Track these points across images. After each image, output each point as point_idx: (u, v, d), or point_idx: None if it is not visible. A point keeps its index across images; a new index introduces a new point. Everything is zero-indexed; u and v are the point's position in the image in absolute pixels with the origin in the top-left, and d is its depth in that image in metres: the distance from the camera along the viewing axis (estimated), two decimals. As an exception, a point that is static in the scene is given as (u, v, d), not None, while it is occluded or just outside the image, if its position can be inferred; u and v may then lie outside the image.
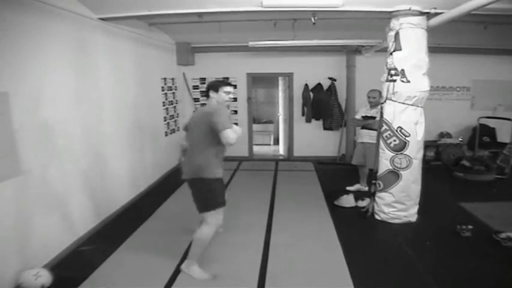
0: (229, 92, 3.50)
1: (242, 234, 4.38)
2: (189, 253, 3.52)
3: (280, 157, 9.31)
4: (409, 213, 4.69)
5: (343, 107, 8.31)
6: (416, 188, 4.68)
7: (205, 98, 3.58)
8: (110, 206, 4.98)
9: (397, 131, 4.50)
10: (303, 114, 8.54)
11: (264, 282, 3.33)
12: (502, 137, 7.66)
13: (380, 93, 5.26)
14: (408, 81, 4.35)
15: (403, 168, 4.55)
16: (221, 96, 3.46)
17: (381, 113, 4.68)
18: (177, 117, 7.99)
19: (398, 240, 4.20)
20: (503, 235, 4.03)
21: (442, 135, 8.23)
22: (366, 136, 5.64)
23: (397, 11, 4.32)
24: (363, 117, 5.69)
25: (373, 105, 5.56)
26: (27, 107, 3.40)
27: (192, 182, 3.36)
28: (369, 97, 5.61)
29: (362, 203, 5.21)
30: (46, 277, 3.24)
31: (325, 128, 8.54)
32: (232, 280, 3.39)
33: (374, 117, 5.40)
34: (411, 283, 3.34)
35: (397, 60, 4.39)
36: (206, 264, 3.62)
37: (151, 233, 4.49)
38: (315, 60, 8.23)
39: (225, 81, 3.65)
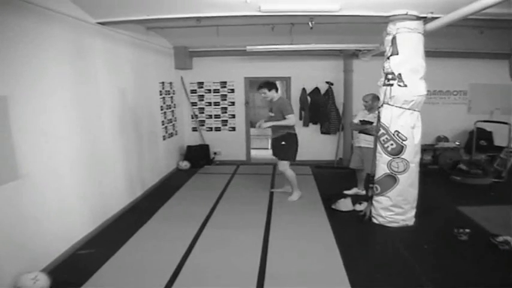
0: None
1: (241, 236, 4.40)
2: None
3: (278, 161, 9.28)
4: (407, 216, 4.69)
5: (341, 111, 8.34)
6: (413, 192, 4.69)
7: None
8: (108, 209, 4.97)
9: (394, 135, 4.51)
10: (300, 118, 8.54)
11: (262, 284, 3.34)
12: (499, 140, 7.68)
13: (373, 97, 5.41)
14: (405, 86, 4.37)
15: (400, 172, 4.57)
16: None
17: (378, 117, 4.70)
18: (175, 121, 8.00)
19: (396, 243, 4.21)
20: (500, 239, 4.04)
21: (439, 139, 8.25)
22: (363, 140, 5.67)
23: (394, 15, 4.35)
24: (360, 121, 5.71)
25: (367, 109, 5.64)
26: (26, 111, 3.41)
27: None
28: (362, 101, 5.71)
29: (359, 207, 5.22)
30: (44, 281, 3.23)
31: (322, 132, 8.57)
32: (232, 280, 3.42)
33: (371, 122, 5.42)
34: (408, 286, 3.35)
35: (394, 64, 4.41)
36: (206, 262, 3.63)
37: (150, 236, 4.48)
38: (313, 64, 8.27)
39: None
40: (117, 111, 5.28)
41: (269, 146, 10.60)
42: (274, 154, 5.87)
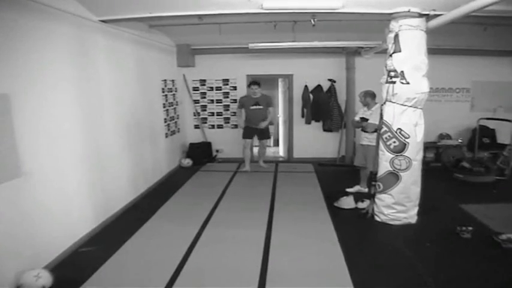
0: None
1: (243, 234, 4.40)
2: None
3: (280, 158, 9.31)
4: (409, 214, 4.69)
5: (343, 108, 8.32)
6: (416, 190, 4.68)
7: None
8: (110, 207, 4.98)
9: (396, 132, 4.50)
10: (302, 116, 8.54)
11: (264, 283, 3.34)
12: (502, 138, 7.65)
13: (365, 93, 5.59)
14: (408, 83, 4.36)
15: (402, 170, 4.56)
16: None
17: (381, 115, 4.69)
18: (177, 118, 8.01)
19: (398, 241, 4.20)
20: (503, 237, 4.03)
21: (441, 136, 8.23)
22: (364, 138, 5.69)
23: (397, 13, 4.33)
24: (361, 118, 5.72)
25: (364, 105, 5.71)
26: (28, 108, 3.41)
27: None
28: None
29: (362, 205, 5.22)
30: (46, 278, 3.24)
31: (324, 130, 8.55)
32: (234, 279, 3.42)
33: (367, 120, 5.45)
34: (411, 284, 3.35)
35: (396, 62, 4.40)
36: (208, 261, 3.64)
37: (152, 234, 4.49)
38: (315, 61, 8.25)
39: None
40: (120, 109, 5.28)
41: (271, 143, 10.84)
42: (261, 138, 7.70)
